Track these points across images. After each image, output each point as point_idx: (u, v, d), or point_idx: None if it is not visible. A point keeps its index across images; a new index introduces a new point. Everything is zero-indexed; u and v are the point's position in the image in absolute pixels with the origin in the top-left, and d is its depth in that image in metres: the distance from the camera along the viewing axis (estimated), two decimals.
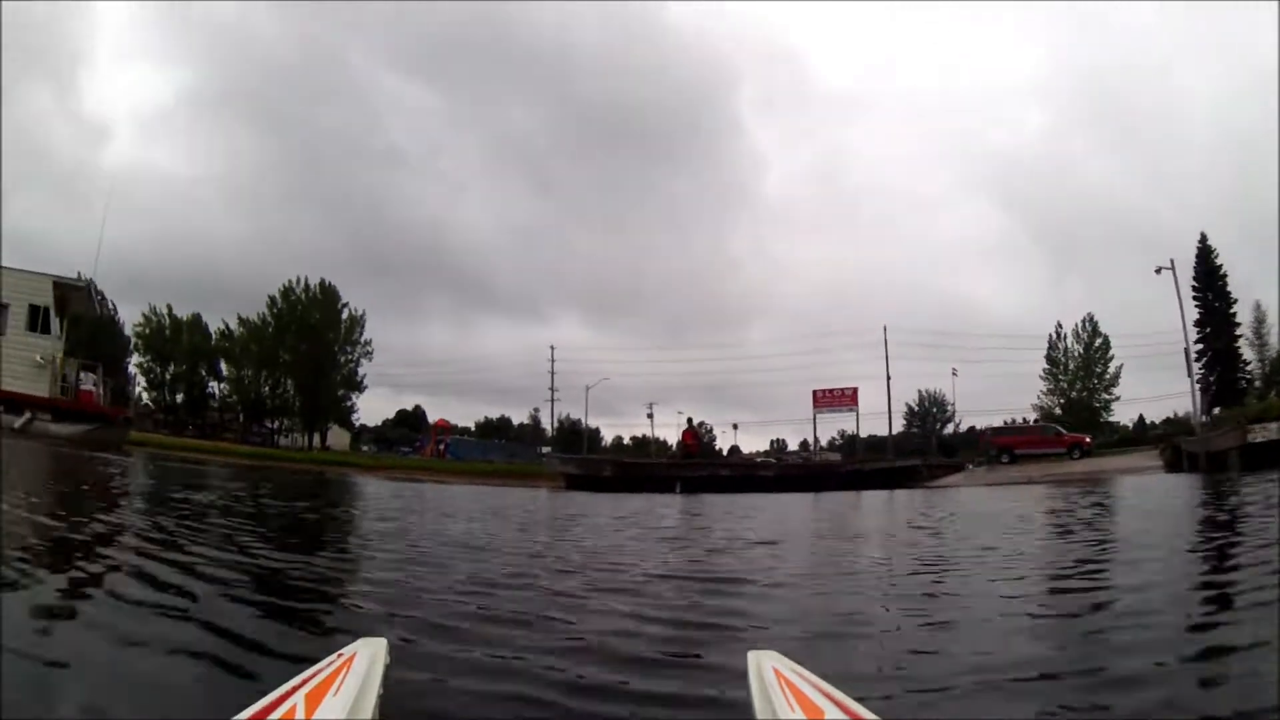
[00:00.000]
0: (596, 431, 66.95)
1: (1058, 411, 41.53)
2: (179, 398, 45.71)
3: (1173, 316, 32.21)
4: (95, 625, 2.21)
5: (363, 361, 47.95)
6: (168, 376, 45.32)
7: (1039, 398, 44.01)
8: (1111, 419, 43.01)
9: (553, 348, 56.47)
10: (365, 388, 49.13)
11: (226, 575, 3.16)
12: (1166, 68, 75.17)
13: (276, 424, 47.10)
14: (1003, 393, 79.55)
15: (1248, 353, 38.97)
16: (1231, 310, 38.66)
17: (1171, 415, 41.08)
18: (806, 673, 1.02)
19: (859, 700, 0.92)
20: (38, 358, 19.68)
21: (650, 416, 59.74)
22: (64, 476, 9.29)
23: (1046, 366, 43.98)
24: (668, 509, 10.85)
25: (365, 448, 52.42)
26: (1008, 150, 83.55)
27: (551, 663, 2.09)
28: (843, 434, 54.56)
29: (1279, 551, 3.97)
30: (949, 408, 54.39)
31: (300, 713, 0.83)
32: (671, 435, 58.21)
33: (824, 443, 50.04)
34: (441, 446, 46.85)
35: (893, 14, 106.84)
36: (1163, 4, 71.44)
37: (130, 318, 45.15)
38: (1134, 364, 42.57)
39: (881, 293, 76.82)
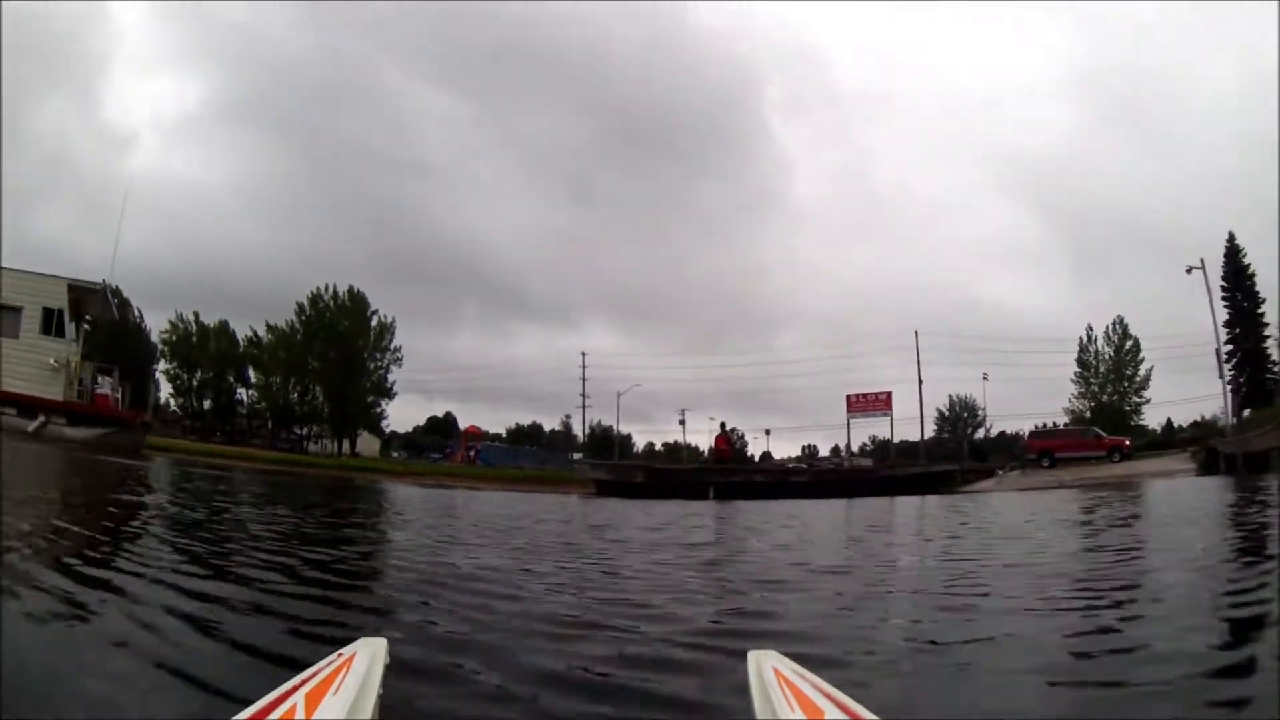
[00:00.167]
0: (628, 438, 66.57)
1: (1087, 415, 40.56)
2: (206, 404, 45.67)
3: (1201, 318, 31.70)
4: (95, 625, 2.21)
5: (392, 368, 47.74)
6: (194, 383, 45.31)
7: (1070, 401, 43.34)
8: (1141, 422, 41.76)
9: (584, 354, 56.27)
10: (395, 394, 48.87)
11: (226, 576, 3.19)
12: (1191, 66, 72.87)
13: (305, 430, 46.85)
14: (1033, 397, 77.62)
15: (1275, 353, 37.73)
16: (1260, 310, 37.62)
17: (1199, 418, 40.56)
18: (806, 673, 1.02)
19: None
20: (52, 361, 19.29)
21: (682, 423, 59.16)
22: (61, 478, 9.23)
23: (1078, 370, 43.23)
24: (702, 518, 10.34)
25: (396, 454, 52.16)
26: (1033, 151, 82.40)
27: (552, 663, 2.11)
28: (874, 439, 53.94)
29: None
30: (980, 412, 53.98)
31: (300, 712, 0.82)
32: (703, 441, 58.70)
33: (855, 448, 49.50)
34: (472, 453, 46.52)
35: (916, 14, 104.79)
36: (1188, 3, 68.26)
37: (157, 325, 45.42)
38: (1160, 366, 41.81)
39: (910, 296, 74.84)
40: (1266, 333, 37.10)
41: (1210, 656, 2.13)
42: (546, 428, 72.78)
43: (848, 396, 42.63)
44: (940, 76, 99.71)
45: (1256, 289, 37.52)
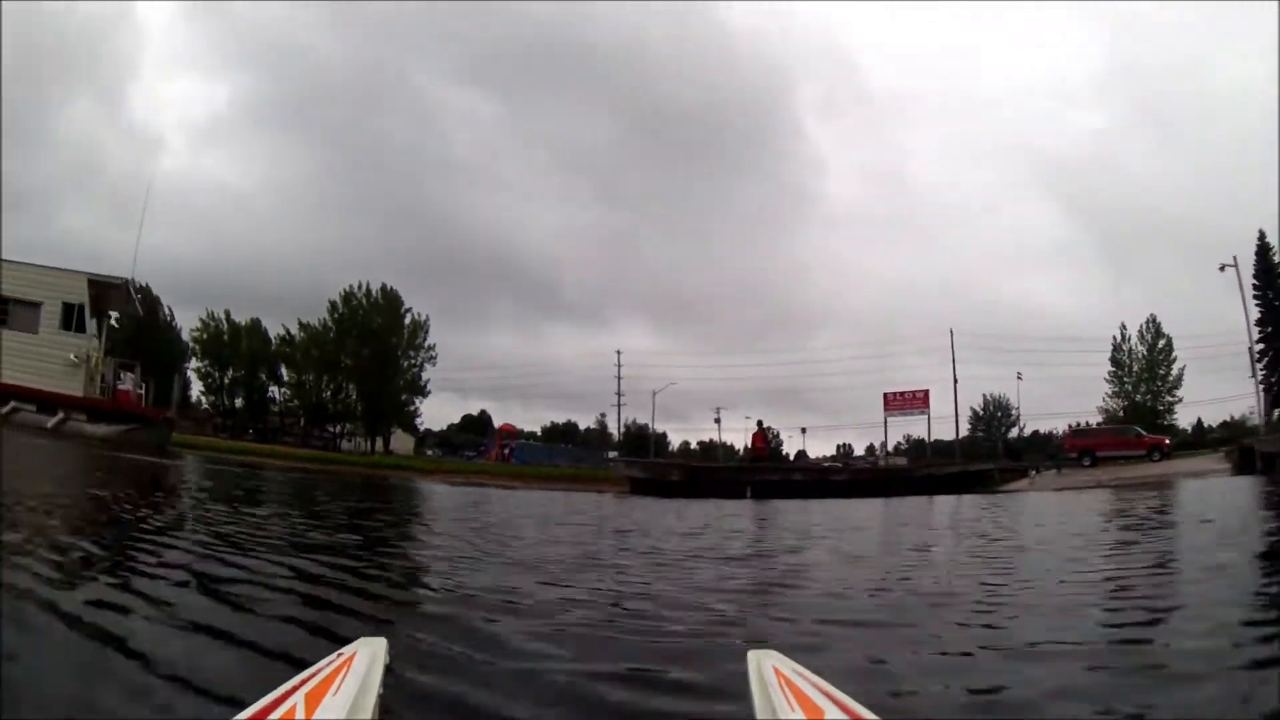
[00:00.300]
0: (663, 436, 66.75)
1: (1120, 415, 40.51)
2: (238, 402, 45.80)
3: (1232, 317, 31.62)
4: (94, 626, 2.17)
5: (426, 366, 47.59)
6: (226, 381, 45.42)
7: (1104, 400, 43.27)
8: (1174, 422, 41.36)
9: (619, 352, 56.41)
10: (429, 392, 48.81)
11: (225, 576, 3.13)
12: (1220, 63, 72.50)
13: (339, 428, 46.80)
14: (1065, 396, 79.24)
15: None
16: None
17: (1228, 418, 41.05)
18: (807, 672, 1.02)
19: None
20: (71, 356, 18.93)
21: (717, 421, 59.00)
22: (72, 475, 9.03)
23: (1111, 369, 43.13)
24: (740, 519, 9.69)
25: (430, 452, 52.11)
26: (1063, 150, 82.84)
27: (552, 663, 2.12)
28: (908, 438, 53.94)
29: None
30: (1014, 412, 53.98)
31: (300, 713, 0.82)
32: (739, 440, 60.32)
33: (889, 447, 49.45)
34: (506, 451, 46.15)
35: (945, 14, 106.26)
36: (1213, 2, 66.06)
37: (189, 324, 45.73)
38: (1191, 366, 41.69)
39: (943, 295, 75.57)
40: None
41: None
42: (581, 426, 73.09)
43: (885, 394, 42.58)
44: (970, 76, 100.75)
45: None
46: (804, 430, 61.33)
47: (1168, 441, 29.43)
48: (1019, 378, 47.83)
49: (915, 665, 2.19)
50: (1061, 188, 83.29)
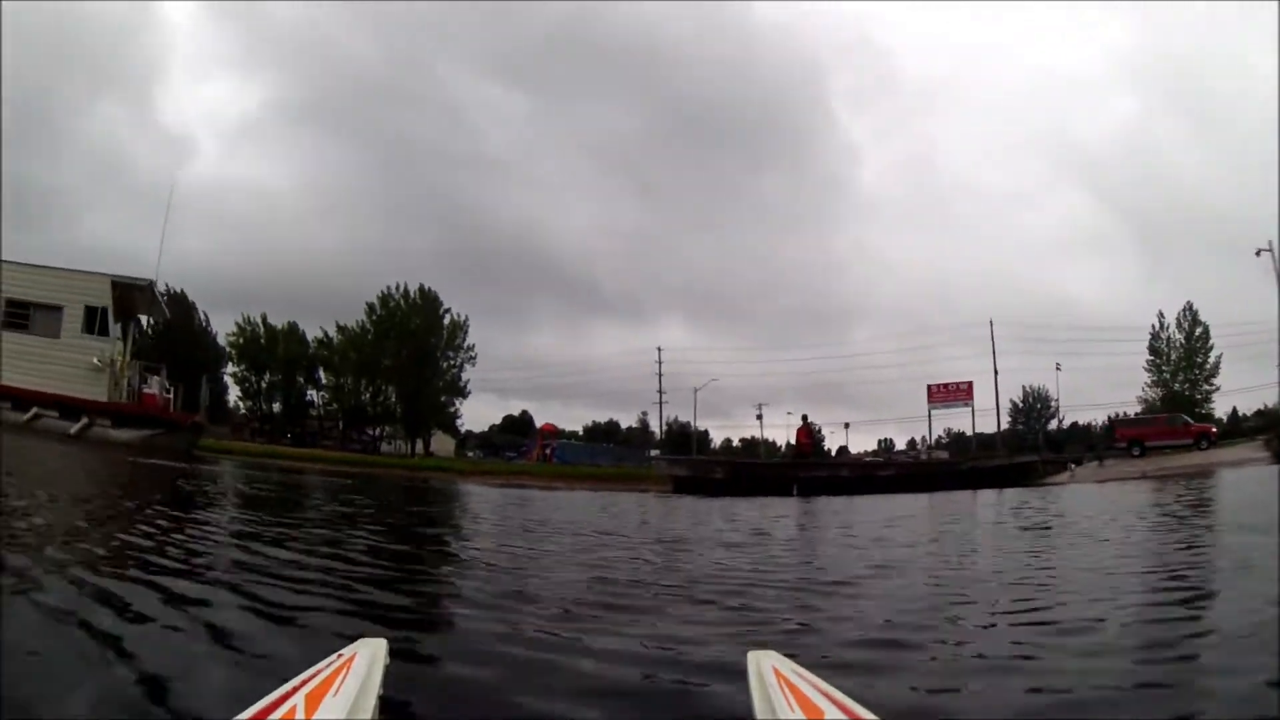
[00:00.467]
0: (705, 434, 65.60)
1: (1158, 404, 40.36)
2: (275, 406, 45.93)
3: (1265, 303, 30.98)
4: (94, 626, 2.18)
5: (466, 367, 47.24)
6: (263, 385, 45.58)
7: (1143, 390, 42.94)
8: (1210, 410, 40.73)
9: (660, 350, 55.58)
10: (469, 393, 48.52)
11: (227, 577, 3.16)
12: (1252, 51, 68.19)
13: (378, 430, 46.71)
14: (1103, 387, 79.46)
15: None
16: None
17: (1262, 406, 40.26)
18: (806, 673, 1.02)
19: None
20: (95, 360, 18.63)
21: (759, 418, 58.47)
22: (90, 480, 8.85)
23: (1150, 358, 42.67)
24: (791, 520, 9.06)
25: (471, 453, 51.77)
26: (1096, 139, 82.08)
27: (551, 664, 2.11)
28: (948, 432, 54.12)
29: None
30: (1053, 403, 53.33)
31: (300, 713, 0.83)
32: (780, 436, 60.71)
33: (930, 441, 49.55)
34: (548, 451, 45.54)
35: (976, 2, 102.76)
36: None
37: (224, 328, 45.91)
38: (1226, 354, 41.04)
39: (978, 286, 75.39)
40: None
41: None
42: (623, 425, 72.63)
43: (929, 387, 42.12)
44: (1002, 66, 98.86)
45: None
46: (847, 425, 60.42)
47: (1214, 430, 29.32)
48: (1057, 368, 47.52)
49: None
50: (1093, 176, 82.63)
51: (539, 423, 57.79)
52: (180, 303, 40.09)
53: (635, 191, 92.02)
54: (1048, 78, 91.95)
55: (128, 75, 77.08)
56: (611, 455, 50.06)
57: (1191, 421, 29.70)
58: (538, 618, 2.73)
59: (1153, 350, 42.32)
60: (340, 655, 1.04)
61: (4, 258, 18.81)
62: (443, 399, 46.82)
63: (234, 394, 46.69)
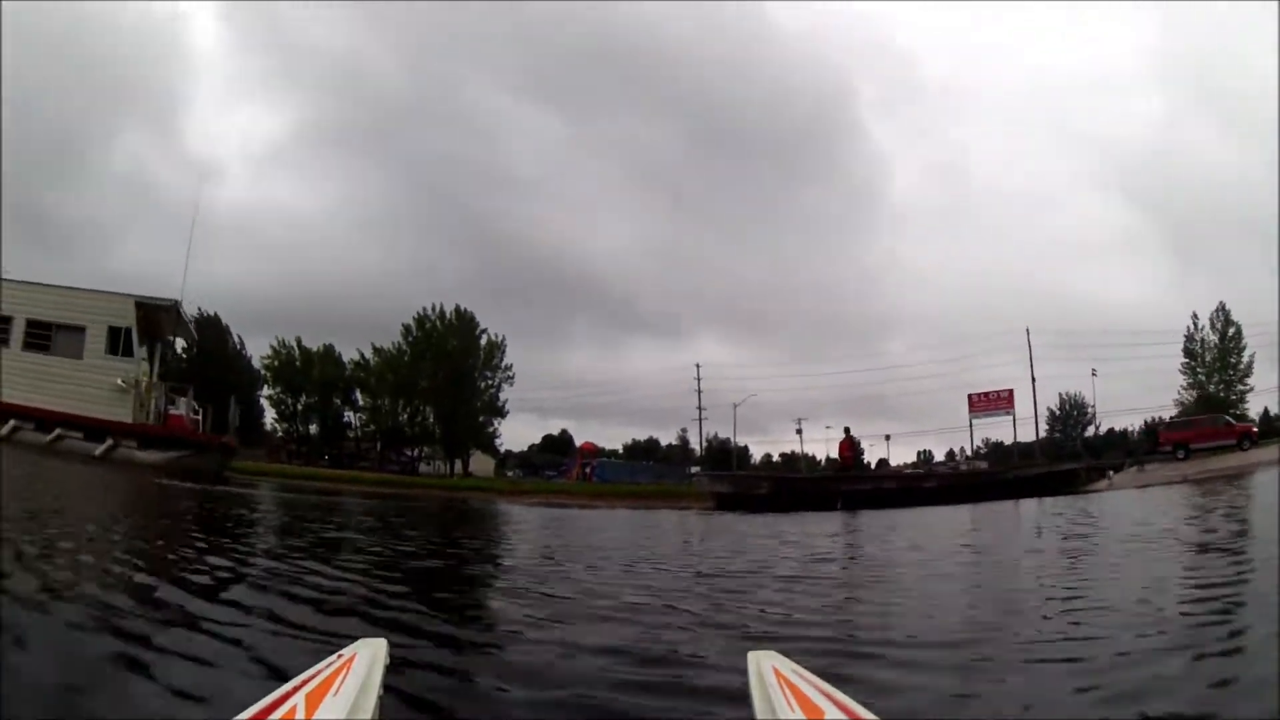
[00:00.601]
0: (745, 449, 65.43)
1: (1193, 407, 39.45)
2: (312, 428, 45.96)
3: None
4: (94, 626, 2.22)
5: (504, 387, 47.08)
6: (299, 407, 45.63)
7: (1179, 393, 42.59)
8: (1245, 411, 40.12)
9: (699, 366, 55.36)
10: (507, 413, 48.21)
11: (226, 579, 3.26)
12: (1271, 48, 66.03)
13: (416, 451, 46.50)
14: (1136, 392, 78.47)
15: None
16: None
17: None
18: (806, 673, 1.02)
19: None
20: (119, 381, 18.36)
21: (799, 432, 58.13)
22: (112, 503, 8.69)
23: (1185, 360, 42.43)
24: (842, 540, 8.24)
25: (510, 473, 51.66)
26: (1124, 141, 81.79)
27: (552, 664, 2.13)
28: (986, 442, 52.32)
29: None
30: (1089, 410, 52.97)
31: (300, 713, 0.83)
32: (819, 451, 60.24)
33: (968, 451, 49.13)
34: (588, 470, 45.40)
35: (997, 4, 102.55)
36: None
37: (259, 351, 46.14)
38: (1258, 354, 40.75)
39: (1008, 293, 74.66)
40: None
41: None
42: (663, 442, 72.20)
43: (969, 396, 42.00)
44: (1028, 69, 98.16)
45: None
46: (888, 438, 59.87)
47: (1255, 429, 29.06)
48: (1093, 374, 47.07)
49: None
50: (1121, 178, 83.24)
51: (578, 441, 58.04)
52: (214, 326, 40.47)
53: (669, 207, 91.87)
54: (1074, 78, 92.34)
55: (153, 104, 78.98)
56: (651, 473, 50.10)
57: (1234, 421, 29.27)
58: (539, 619, 2.74)
59: (1188, 352, 42.16)
60: (340, 655, 1.03)
61: (32, 281, 18.83)
62: (481, 419, 46.56)
63: (270, 416, 47.05)
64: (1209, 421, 29.60)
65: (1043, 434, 47.45)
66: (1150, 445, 32.83)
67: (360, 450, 47.00)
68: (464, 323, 45.90)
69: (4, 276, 17.92)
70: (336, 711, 0.82)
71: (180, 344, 25.46)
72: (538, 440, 69.80)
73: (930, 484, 22.37)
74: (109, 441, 17.68)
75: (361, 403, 46.40)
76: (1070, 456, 36.26)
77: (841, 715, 0.85)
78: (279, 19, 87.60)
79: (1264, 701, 1.69)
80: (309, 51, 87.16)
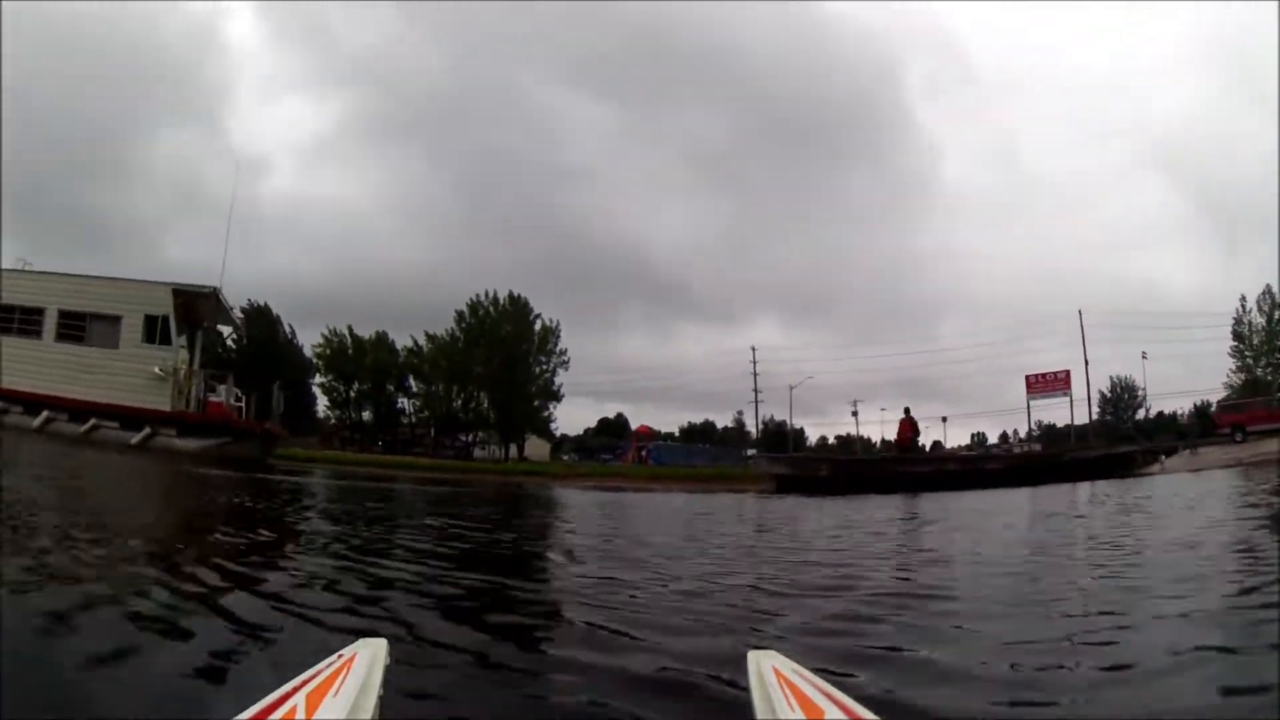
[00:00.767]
0: (800, 431, 64.18)
1: (1239, 390, 39.51)
2: (365, 414, 46.39)
3: None
4: (95, 626, 2.16)
5: (559, 371, 46.83)
6: (351, 394, 45.98)
7: (1227, 376, 42.35)
8: None
9: (754, 349, 55.06)
10: (562, 397, 48.09)
11: (225, 579, 3.13)
12: None
13: (471, 436, 46.56)
14: (1185, 374, 76.85)
15: None
16: None
17: None
18: (806, 673, 1.01)
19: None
20: (156, 369, 18.27)
21: (855, 414, 58.03)
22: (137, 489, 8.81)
23: (1233, 343, 42.23)
24: (921, 530, 7.44)
25: (566, 457, 51.47)
26: (1170, 125, 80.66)
27: (552, 665, 2.11)
28: (1039, 424, 51.79)
29: None
30: (1139, 392, 53.21)
31: (300, 713, 0.83)
32: (875, 433, 60.96)
33: (1021, 434, 49.08)
34: (643, 453, 45.31)
35: None
36: None
37: (311, 340, 46.82)
38: None
39: (1058, 277, 72.58)
40: None
41: None
42: (719, 425, 71.07)
43: (1027, 377, 42.08)
44: (1075, 54, 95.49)
45: None
46: (945, 419, 59.76)
47: None
48: (1144, 357, 47.25)
49: None
50: (1169, 161, 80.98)
51: (634, 425, 58.47)
52: (264, 316, 41.10)
53: (723, 193, 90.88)
54: (1122, 63, 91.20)
55: (200, 102, 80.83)
56: (708, 455, 49.31)
57: None
58: (539, 620, 2.75)
59: (1236, 335, 42.00)
60: (340, 655, 1.03)
61: (66, 272, 18.90)
62: (535, 404, 46.46)
63: (322, 404, 47.62)
64: (1265, 403, 29.64)
65: (1094, 416, 47.93)
66: (1203, 427, 32.67)
67: (414, 436, 47.32)
68: (518, 308, 45.72)
69: (35, 268, 17.96)
70: (336, 711, 0.81)
71: (229, 333, 25.44)
72: (593, 424, 70.12)
73: (993, 466, 21.58)
74: (146, 430, 17.61)
75: (415, 389, 46.60)
76: (1125, 439, 35.58)
77: (841, 715, 0.84)
78: (323, 16, 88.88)
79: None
80: (352, 46, 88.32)
